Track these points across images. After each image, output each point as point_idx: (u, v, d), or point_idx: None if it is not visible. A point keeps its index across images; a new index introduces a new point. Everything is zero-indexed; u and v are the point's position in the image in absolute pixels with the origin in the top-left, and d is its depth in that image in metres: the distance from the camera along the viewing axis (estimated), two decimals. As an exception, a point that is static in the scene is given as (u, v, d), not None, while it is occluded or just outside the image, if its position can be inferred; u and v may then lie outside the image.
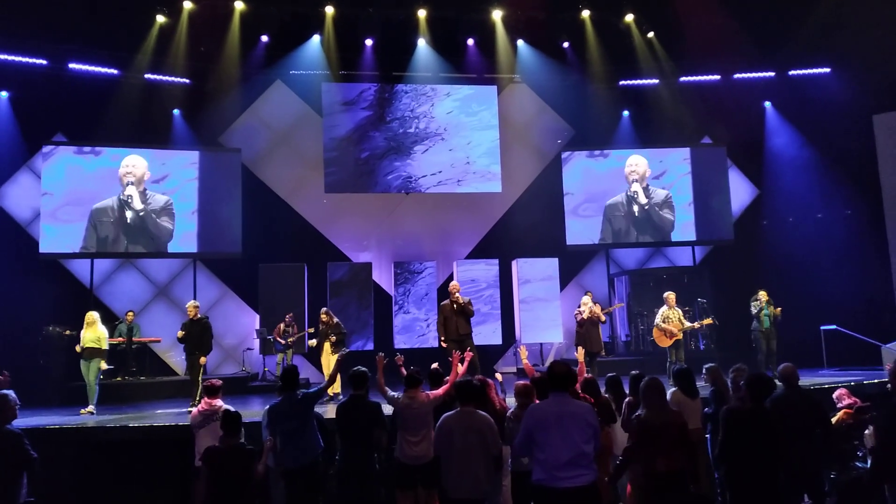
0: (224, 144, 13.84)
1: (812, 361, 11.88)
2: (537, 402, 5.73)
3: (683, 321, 10.43)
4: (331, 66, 13.85)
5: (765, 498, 4.35)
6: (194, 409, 6.59)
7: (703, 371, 6.49)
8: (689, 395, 6.00)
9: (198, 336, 9.48)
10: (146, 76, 13.05)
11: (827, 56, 14.11)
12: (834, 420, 6.89)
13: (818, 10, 12.86)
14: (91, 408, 9.32)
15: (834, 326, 11.80)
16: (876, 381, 9.25)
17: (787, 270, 13.58)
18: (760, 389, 4.72)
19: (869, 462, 6.22)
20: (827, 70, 14.42)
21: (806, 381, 9.82)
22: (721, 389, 6.15)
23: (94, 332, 9.48)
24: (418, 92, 14.38)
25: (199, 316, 9.65)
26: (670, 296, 10.62)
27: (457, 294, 9.59)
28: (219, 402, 6.31)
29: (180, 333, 9.52)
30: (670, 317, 10.42)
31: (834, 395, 7.28)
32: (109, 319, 12.46)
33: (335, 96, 14.10)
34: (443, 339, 9.55)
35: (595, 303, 10.59)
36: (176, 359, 12.97)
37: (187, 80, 13.47)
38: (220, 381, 6.56)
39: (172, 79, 13.37)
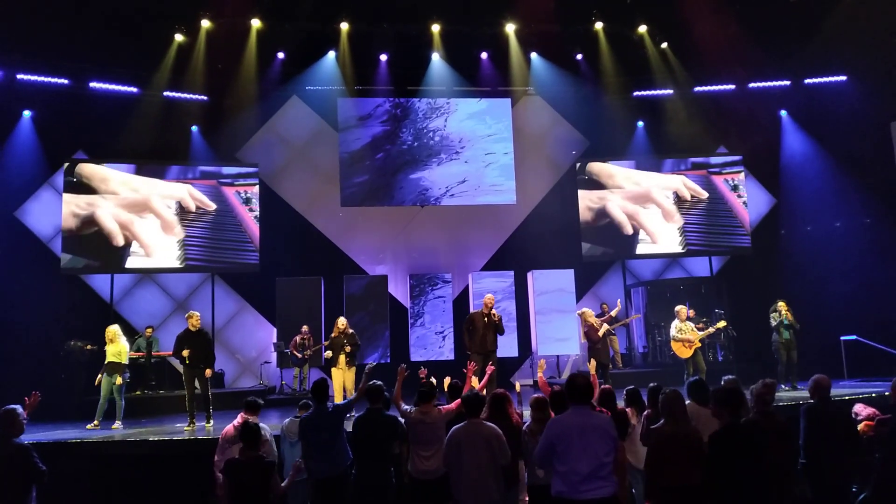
0: (241, 160, 14.01)
1: (832, 372, 11.59)
2: (553, 414, 5.75)
3: (696, 332, 10.37)
4: (346, 82, 14.00)
5: None
6: (229, 426, 6.63)
7: (723, 383, 6.43)
8: (704, 404, 5.91)
9: (203, 348, 9.32)
10: (165, 94, 13.26)
11: (842, 64, 14.03)
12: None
13: (833, 17, 12.81)
14: (118, 423, 9.37)
15: (854, 337, 11.66)
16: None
17: (805, 280, 13.46)
18: (734, 404, 4.62)
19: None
20: (843, 78, 14.32)
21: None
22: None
23: (116, 347, 9.57)
24: (433, 106, 14.49)
25: (200, 327, 9.49)
26: (682, 310, 10.56)
27: (492, 308, 9.53)
28: (256, 420, 6.31)
29: (186, 352, 9.13)
30: (683, 329, 10.37)
31: (854, 410, 7.19)
32: (129, 334, 12.63)
33: (350, 111, 14.25)
34: (469, 350, 9.41)
35: (601, 315, 10.52)
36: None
37: (205, 97, 13.67)
38: (261, 402, 6.66)
39: (190, 96, 13.57)
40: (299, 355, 12.08)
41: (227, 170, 13.52)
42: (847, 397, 8.91)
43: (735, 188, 14.55)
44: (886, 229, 13.95)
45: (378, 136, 14.25)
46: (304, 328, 12.30)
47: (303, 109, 14.41)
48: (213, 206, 13.24)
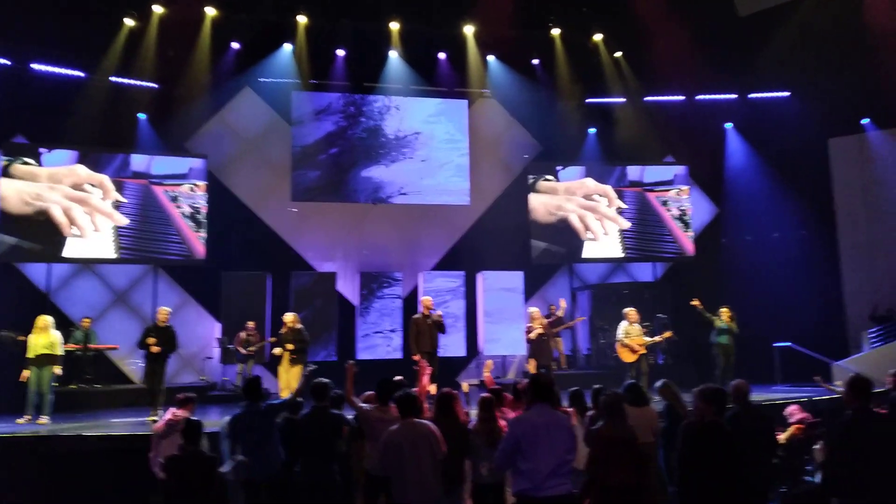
0: (190, 150, 13.70)
1: (765, 377, 12.19)
2: (511, 413, 5.82)
3: (644, 336, 10.57)
4: (301, 75, 13.84)
5: None
6: (160, 421, 6.50)
7: (656, 387, 6.60)
8: (637, 404, 6.05)
9: (169, 343, 9.39)
10: (112, 79, 12.86)
11: (786, 80, 14.58)
12: (786, 435, 7.09)
13: (779, 35, 13.29)
14: (45, 418, 9.09)
15: (788, 343, 12.14)
16: (826, 397, 9.53)
17: (744, 288, 13.92)
18: (720, 402, 4.82)
19: (818, 476, 6.43)
20: (786, 94, 14.89)
21: (759, 396, 10.10)
22: (673, 404, 6.26)
23: (47, 338, 9.26)
24: (389, 104, 14.43)
25: (167, 324, 9.54)
26: (630, 312, 10.74)
27: (431, 308, 9.75)
28: (188, 415, 6.22)
29: (153, 340, 9.23)
30: (630, 332, 10.54)
31: (786, 412, 7.49)
32: (65, 325, 12.23)
33: (305, 105, 14.08)
34: (415, 351, 9.61)
35: (549, 317, 10.71)
36: (133, 366, 12.73)
37: (155, 85, 13.32)
38: (194, 395, 6.54)
39: (140, 83, 13.20)
40: (243, 351, 11.89)
41: (155, 170, 13.11)
42: (779, 402, 9.29)
43: (665, 203, 15.02)
44: (820, 242, 14.59)
45: (332, 131, 14.11)
46: (250, 324, 12.11)
47: (255, 101, 14.17)
48: (124, 200, 12.83)
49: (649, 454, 5.52)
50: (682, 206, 15.07)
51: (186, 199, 13.18)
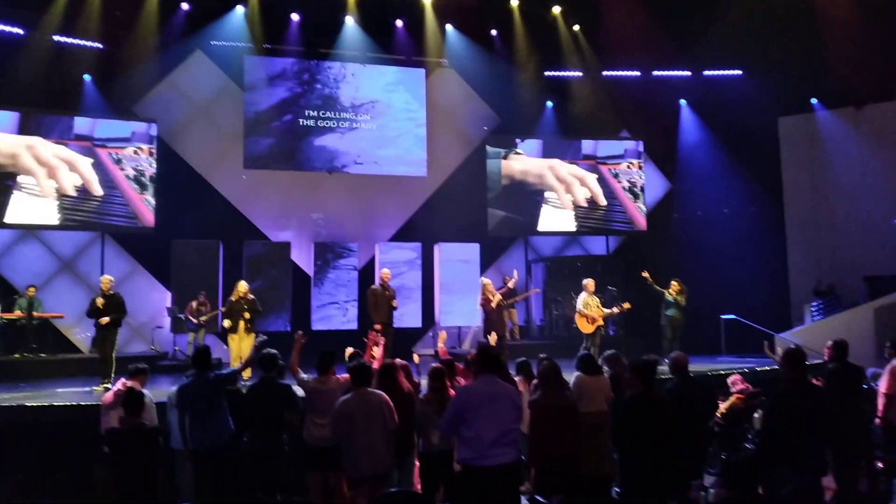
0: (139, 114, 13.27)
1: (712, 349, 12.57)
2: (462, 383, 5.88)
3: (602, 307, 10.72)
4: (254, 40, 13.47)
5: (655, 480, 4.58)
6: (109, 392, 6.37)
7: (604, 357, 6.73)
8: (590, 373, 6.17)
9: (115, 311, 9.24)
10: (55, 38, 12.32)
11: (739, 59, 14.78)
12: (727, 405, 7.33)
13: (732, 13, 13.43)
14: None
15: (733, 316, 12.50)
16: (768, 368, 9.88)
17: (694, 262, 14.23)
18: (648, 373, 4.94)
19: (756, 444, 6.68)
20: (739, 72, 15.12)
21: (704, 367, 10.44)
22: (619, 375, 6.40)
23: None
24: (344, 71, 14.16)
25: (112, 291, 9.36)
26: (589, 282, 10.82)
27: (387, 281, 9.80)
28: (138, 386, 6.11)
29: (101, 301, 9.13)
30: (590, 303, 10.66)
31: (729, 381, 7.74)
32: (8, 293, 11.87)
33: (258, 70, 13.72)
34: (374, 322, 9.65)
35: (502, 289, 10.79)
36: (80, 335, 12.44)
37: (100, 45, 12.81)
38: (144, 366, 6.44)
39: (84, 42, 12.67)
40: (195, 321, 11.71)
41: (99, 133, 12.63)
42: (723, 371, 9.60)
43: (616, 176, 15.21)
44: (768, 218, 14.99)
45: (286, 98, 13.80)
46: (202, 294, 11.92)
47: (207, 65, 13.75)
48: (81, 163, 12.43)
49: (602, 422, 5.64)
50: (632, 178, 15.28)
51: (130, 161, 12.78)
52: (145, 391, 6.17)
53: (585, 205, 15.01)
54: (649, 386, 4.82)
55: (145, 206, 12.80)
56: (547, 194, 14.84)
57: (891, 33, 12.97)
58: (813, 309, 13.28)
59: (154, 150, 12.96)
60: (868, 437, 6.40)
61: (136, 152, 12.84)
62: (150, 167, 12.89)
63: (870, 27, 13.00)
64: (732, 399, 7.38)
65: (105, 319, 9.15)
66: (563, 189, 14.87)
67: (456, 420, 4.42)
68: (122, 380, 6.28)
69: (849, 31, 13.07)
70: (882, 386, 6.28)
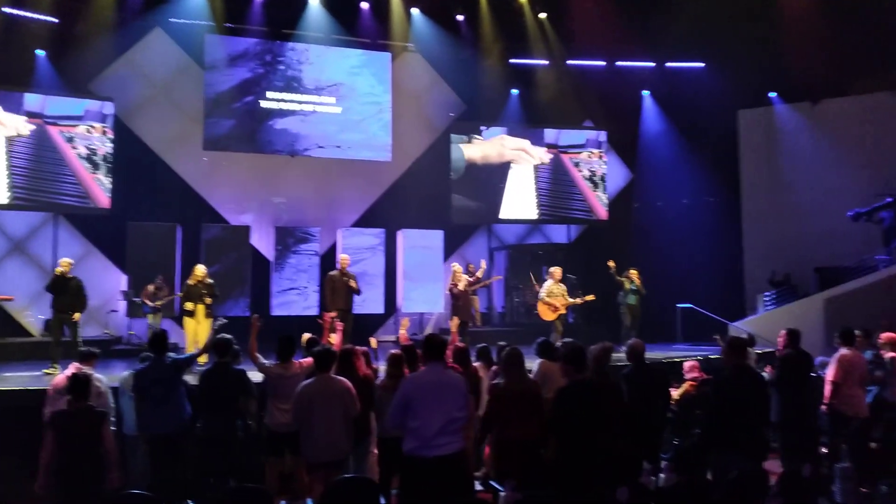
0: (95, 92, 12.89)
1: (668, 336, 12.82)
2: (408, 372, 5.88)
3: (566, 296, 10.80)
4: (215, 18, 13.16)
5: (595, 467, 4.65)
6: (61, 375, 6.22)
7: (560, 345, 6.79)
8: (552, 359, 6.24)
9: (73, 294, 9.02)
10: (5, 10, 11.87)
11: (701, 51, 14.99)
12: (680, 391, 7.49)
13: (693, 6, 13.58)
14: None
15: (689, 305, 12.76)
16: (722, 356, 10.06)
17: (653, 251, 14.49)
18: (579, 362, 4.98)
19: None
20: (701, 65, 15.33)
21: (661, 354, 10.63)
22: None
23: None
24: (308, 53, 13.94)
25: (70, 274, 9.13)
26: (556, 271, 10.91)
27: (346, 268, 9.69)
28: (90, 370, 5.97)
29: (49, 282, 8.98)
30: (554, 291, 10.73)
31: (684, 367, 7.91)
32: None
33: (219, 50, 13.41)
34: (330, 308, 9.54)
35: (468, 273, 10.82)
36: (30, 318, 12.11)
37: (55, 19, 12.39)
38: (98, 351, 6.29)
39: (37, 16, 12.24)
40: (151, 305, 11.48)
41: (50, 110, 12.21)
42: (677, 359, 9.78)
43: (577, 165, 15.36)
44: (725, 208, 15.30)
45: (248, 78, 13.52)
46: (159, 278, 11.69)
47: (166, 43, 13.40)
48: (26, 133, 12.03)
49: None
50: (593, 167, 15.42)
51: (83, 140, 12.41)
52: (101, 376, 6.05)
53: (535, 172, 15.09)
54: (581, 373, 4.86)
55: (98, 185, 12.46)
56: (509, 178, 14.86)
57: (846, 31, 13.28)
58: (766, 299, 13.62)
59: (107, 129, 12.60)
60: (813, 424, 6.62)
61: (88, 131, 12.48)
62: (102, 146, 12.54)
63: (827, 24, 13.30)
64: (685, 386, 7.54)
65: (76, 315, 9.03)
66: (517, 160, 14.97)
67: (402, 410, 4.40)
68: (75, 364, 6.13)
69: (807, 28, 13.35)
70: (829, 374, 6.48)
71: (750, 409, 4.91)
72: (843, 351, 6.45)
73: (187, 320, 9.43)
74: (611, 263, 11.41)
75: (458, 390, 4.46)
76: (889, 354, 7.12)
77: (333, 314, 9.26)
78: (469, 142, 14.71)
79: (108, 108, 12.65)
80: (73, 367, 6.09)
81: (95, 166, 12.46)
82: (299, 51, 13.87)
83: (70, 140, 12.33)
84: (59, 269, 9.07)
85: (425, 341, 4.66)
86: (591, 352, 6.05)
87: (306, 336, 6.56)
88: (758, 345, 9.66)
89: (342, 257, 10.35)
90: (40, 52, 12.54)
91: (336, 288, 9.76)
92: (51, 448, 4.78)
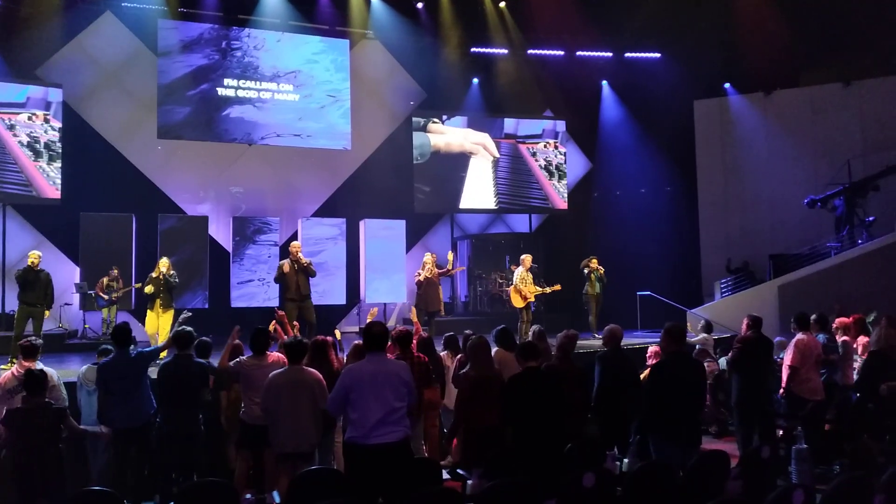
0: (43, 78, 12.43)
1: (628, 323, 12.97)
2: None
3: (534, 286, 10.83)
4: (168, 2, 12.82)
5: (550, 452, 4.70)
6: (7, 372, 5.99)
7: (529, 333, 6.85)
8: (509, 348, 6.27)
9: (42, 288, 8.83)
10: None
11: (658, 42, 15.19)
12: (644, 375, 7.61)
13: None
14: None
15: (648, 292, 12.97)
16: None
17: (612, 240, 14.69)
18: (527, 351, 5.05)
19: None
20: (657, 55, 15.53)
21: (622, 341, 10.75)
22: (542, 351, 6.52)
23: None
24: (265, 39, 13.67)
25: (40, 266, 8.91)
26: (526, 258, 10.89)
27: (298, 253, 9.44)
28: (38, 365, 5.77)
29: (18, 273, 8.79)
30: (526, 279, 10.76)
31: (648, 352, 8.04)
32: None
33: (172, 35, 13.05)
34: (287, 297, 9.29)
35: (436, 265, 10.78)
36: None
37: (-2, 1, 11.91)
38: (40, 342, 6.05)
39: (-22, -2, 11.76)
40: (106, 297, 11.18)
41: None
42: (638, 346, 9.93)
43: (534, 155, 15.46)
44: (682, 197, 15.58)
45: (203, 65, 13.19)
46: (114, 269, 11.37)
47: (118, 28, 12.99)
48: None
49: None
50: (549, 157, 15.52)
51: (24, 128, 11.97)
52: (52, 370, 5.85)
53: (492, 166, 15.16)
54: (535, 364, 4.93)
55: (41, 174, 12.03)
56: (469, 168, 14.89)
57: (798, 23, 13.61)
58: (723, 285, 13.93)
59: (50, 117, 12.16)
60: (770, 406, 6.79)
61: (30, 118, 12.03)
62: (44, 134, 12.11)
63: (780, 16, 13.61)
64: (647, 372, 7.65)
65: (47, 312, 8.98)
66: (478, 154, 15.00)
67: (341, 401, 4.36)
68: (22, 360, 5.89)
69: (760, 19, 13.64)
70: (787, 358, 6.65)
71: (686, 395, 5.00)
72: (800, 336, 6.62)
73: (148, 313, 9.22)
74: (557, 287, 11.21)
75: (398, 379, 4.39)
76: (842, 338, 7.35)
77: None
78: (424, 128, 14.62)
79: (54, 94, 12.22)
80: (19, 366, 5.86)
81: (38, 154, 12.02)
82: (256, 37, 13.60)
83: (11, 128, 11.87)
84: (30, 261, 8.83)
85: (365, 331, 4.62)
86: (557, 339, 6.13)
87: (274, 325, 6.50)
88: (715, 331, 9.90)
89: (292, 244, 9.77)
90: (-18, 36, 12.03)
91: (288, 277, 9.39)
92: (8, 448, 4.60)
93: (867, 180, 12.81)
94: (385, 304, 13.85)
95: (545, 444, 4.69)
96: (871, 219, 12.46)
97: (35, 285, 8.77)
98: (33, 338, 6.20)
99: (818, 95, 14.87)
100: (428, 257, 10.65)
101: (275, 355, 5.70)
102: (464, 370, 5.33)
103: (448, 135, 14.88)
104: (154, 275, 9.30)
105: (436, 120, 14.80)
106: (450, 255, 11.29)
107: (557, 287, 10.96)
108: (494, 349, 6.08)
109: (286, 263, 9.38)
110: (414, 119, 14.63)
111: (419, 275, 10.39)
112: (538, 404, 4.74)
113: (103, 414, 5.59)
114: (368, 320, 7.22)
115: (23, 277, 8.75)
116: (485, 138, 15.14)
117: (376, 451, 4.21)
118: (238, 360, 5.61)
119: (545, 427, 4.74)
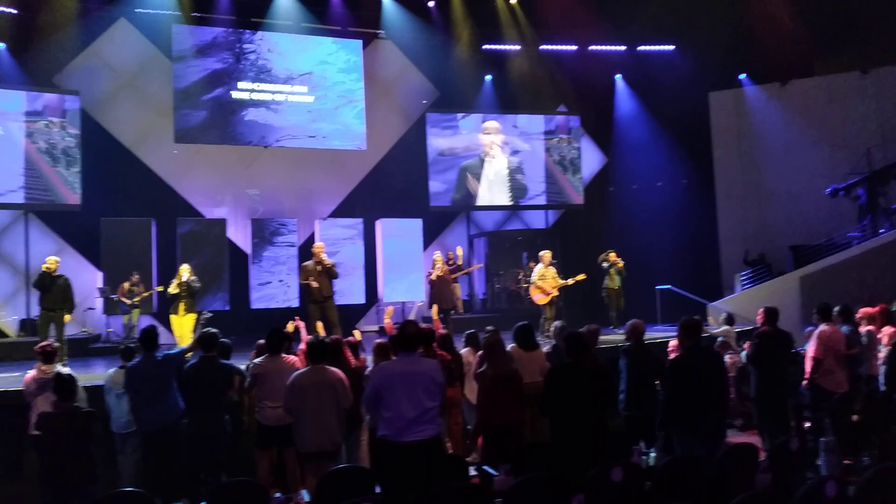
0: (60, 86, 12.57)
1: (648, 317, 12.88)
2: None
3: (558, 279, 10.80)
4: (182, 7, 12.90)
5: (587, 446, 4.70)
6: (27, 376, 6.07)
7: (550, 329, 6.86)
8: (525, 348, 6.24)
9: (61, 292, 8.82)
10: (-38, 2, 11.53)
11: (672, 34, 15.08)
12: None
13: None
14: None
15: (668, 286, 12.89)
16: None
17: (630, 234, 14.60)
18: (576, 345, 5.04)
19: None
20: (671, 48, 15.42)
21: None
22: (560, 345, 6.52)
23: None
24: (278, 42, 13.73)
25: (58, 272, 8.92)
26: (546, 254, 10.87)
27: (322, 255, 9.47)
28: (57, 368, 5.86)
29: (35, 279, 8.82)
30: (545, 275, 10.73)
31: (669, 346, 8.00)
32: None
33: (187, 40, 13.13)
34: (311, 299, 9.33)
35: (447, 262, 10.79)
36: (6, 319, 11.84)
37: (14, 10, 12.03)
38: (57, 345, 6.12)
39: (-4, 7, 11.90)
40: (128, 302, 11.30)
41: (7, 106, 11.80)
42: (659, 340, 9.88)
43: (548, 150, 15.36)
44: (699, 190, 15.47)
45: (217, 69, 13.26)
46: (135, 274, 11.49)
47: (132, 34, 13.09)
48: None
49: (537, 392, 5.73)
50: (563, 152, 15.44)
51: (42, 135, 12.06)
52: (70, 372, 5.93)
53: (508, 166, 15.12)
54: (577, 358, 4.93)
55: (60, 180, 12.14)
56: (485, 166, 14.87)
57: (814, 11, 13.46)
58: (742, 278, 13.82)
59: (66, 124, 12.25)
60: (795, 399, 6.74)
61: (47, 126, 12.15)
62: (62, 140, 12.22)
63: (793, 4, 13.47)
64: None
65: (67, 316, 8.92)
66: (493, 152, 14.97)
67: (374, 400, 4.38)
68: (38, 365, 5.95)
69: (775, 9, 13.50)
70: (810, 350, 6.59)
71: (705, 389, 4.95)
72: (823, 327, 6.56)
73: (172, 317, 9.32)
74: (581, 277, 11.17)
75: (430, 379, 4.38)
76: (866, 328, 7.28)
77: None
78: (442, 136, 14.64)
79: (70, 102, 12.31)
80: (37, 370, 5.92)
81: (56, 161, 12.14)
82: (269, 40, 13.65)
83: (30, 136, 12.00)
84: (45, 266, 8.81)
85: (399, 331, 4.63)
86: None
87: (291, 325, 6.54)
88: (737, 323, 9.83)
89: (315, 245, 9.90)
90: (1, 45, 12.18)
91: (310, 278, 9.44)
92: (40, 451, 4.67)
93: (889, 168, 12.66)
94: (403, 302, 13.89)
95: (584, 438, 4.69)
96: (894, 206, 12.33)
97: (52, 290, 8.76)
98: (53, 341, 6.27)
99: (835, 84, 14.71)
100: (438, 256, 10.68)
101: (291, 358, 5.73)
102: (481, 369, 5.35)
103: (464, 136, 14.82)
104: (176, 281, 9.41)
105: (453, 124, 14.79)
106: (458, 251, 11.29)
107: (582, 276, 10.87)
108: (510, 346, 6.08)
109: (310, 265, 9.43)
110: (431, 115, 14.57)
111: (431, 273, 10.43)
112: (580, 398, 4.73)
113: (133, 415, 5.64)
114: (385, 319, 7.30)
115: (39, 283, 8.77)
116: (498, 136, 15.09)
117: (409, 448, 4.22)
118: (254, 361, 5.66)
119: (586, 421, 4.73)
